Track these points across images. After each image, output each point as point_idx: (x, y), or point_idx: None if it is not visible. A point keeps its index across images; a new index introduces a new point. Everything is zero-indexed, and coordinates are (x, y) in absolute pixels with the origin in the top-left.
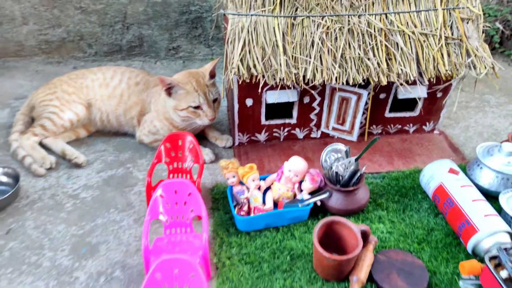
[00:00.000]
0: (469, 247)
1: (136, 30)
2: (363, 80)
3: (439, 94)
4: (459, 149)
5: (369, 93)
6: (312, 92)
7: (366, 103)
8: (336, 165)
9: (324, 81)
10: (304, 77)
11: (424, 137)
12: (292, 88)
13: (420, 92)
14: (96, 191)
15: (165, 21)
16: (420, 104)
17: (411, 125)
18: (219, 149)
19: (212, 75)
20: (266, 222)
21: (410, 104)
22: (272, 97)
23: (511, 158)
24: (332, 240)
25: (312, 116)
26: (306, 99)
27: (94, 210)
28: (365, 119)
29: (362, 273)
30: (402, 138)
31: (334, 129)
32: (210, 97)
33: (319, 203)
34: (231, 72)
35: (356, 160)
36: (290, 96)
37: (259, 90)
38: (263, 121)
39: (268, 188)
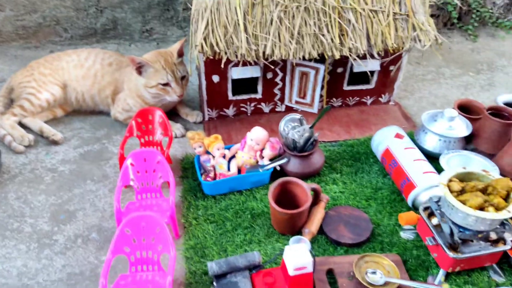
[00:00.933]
0: (409, 201)
1: (109, 14)
2: (318, 55)
3: (391, 68)
4: (410, 118)
5: (326, 68)
6: (272, 67)
7: (325, 77)
8: (291, 132)
9: (282, 56)
10: (264, 53)
11: (380, 108)
12: (254, 64)
13: (373, 65)
14: (73, 165)
15: (137, 3)
16: (374, 77)
17: (368, 97)
18: (190, 125)
19: (180, 54)
20: (230, 186)
21: (366, 77)
22: (237, 73)
23: (452, 123)
24: (287, 198)
25: (276, 90)
26: (269, 75)
27: (71, 181)
28: (326, 92)
29: (313, 226)
30: (360, 110)
31: (296, 102)
32: (178, 74)
33: (278, 168)
34: (195, 49)
35: (311, 127)
36: (253, 72)
37: (222, 66)
38: (230, 96)
39: (233, 156)
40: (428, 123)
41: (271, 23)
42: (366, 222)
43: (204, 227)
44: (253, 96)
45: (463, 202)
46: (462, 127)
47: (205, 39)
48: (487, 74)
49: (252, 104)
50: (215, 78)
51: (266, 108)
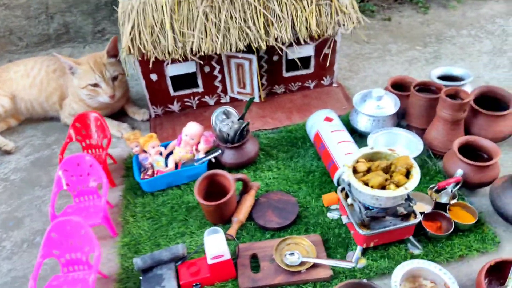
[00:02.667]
0: (335, 182)
1: (60, 19)
2: (245, 47)
3: (327, 51)
4: (351, 99)
5: (256, 58)
6: (201, 62)
7: (263, 66)
8: (220, 125)
9: (209, 51)
10: (191, 49)
11: (323, 91)
12: (187, 60)
13: (307, 51)
14: (24, 173)
15: (85, 6)
16: (312, 62)
17: (310, 81)
18: (138, 123)
19: (111, 54)
20: (168, 182)
21: (306, 62)
22: (173, 70)
23: (380, 102)
24: (218, 190)
25: (217, 83)
26: (207, 69)
27: (21, 189)
28: (266, 80)
29: (241, 214)
30: (303, 94)
31: (238, 93)
32: (107, 75)
33: (213, 161)
34: (122, 52)
35: (240, 119)
36: (188, 67)
37: (150, 67)
38: (172, 92)
39: (171, 153)
40: (358, 104)
41: (198, 19)
42: (293, 205)
43: (140, 223)
44: (195, 90)
45: (367, 182)
46: (390, 105)
47: (132, 40)
48: (434, 46)
49: (196, 98)
50: (153, 77)
51: (210, 100)
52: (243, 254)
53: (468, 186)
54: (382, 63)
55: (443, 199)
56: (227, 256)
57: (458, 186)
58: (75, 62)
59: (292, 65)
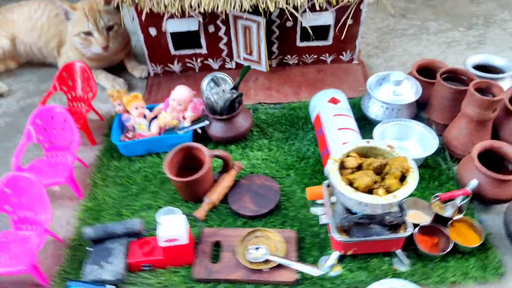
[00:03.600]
0: (326, 173)
1: None
2: (251, 7)
3: (349, 22)
4: None
5: (271, 22)
6: (199, 20)
7: (274, 32)
8: (209, 93)
9: (209, 8)
10: (191, 5)
11: (340, 68)
12: (189, 16)
13: (325, 19)
14: (11, 118)
15: None
16: (330, 33)
17: (327, 55)
18: (135, 80)
19: (108, 1)
20: (147, 148)
21: (322, 32)
22: (173, 26)
23: (398, 87)
24: (194, 164)
25: (222, 46)
26: (211, 28)
27: (4, 135)
28: (277, 48)
29: (214, 195)
30: (318, 69)
31: (244, 59)
32: (101, 23)
33: (200, 131)
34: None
35: (234, 89)
36: (190, 25)
37: (142, 19)
38: (173, 51)
39: (157, 117)
40: (372, 88)
41: None
42: (275, 193)
43: (109, 189)
44: (198, 51)
45: (352, 181)
46: (409, 93)
47: None
48: (480, 29)
49: (199, 60)
50: (152, 31)
51: (215, 64)
52: (205, 240)
53: (482, 200)
54: (416, 42)
55: (448, 211)
56: (183, 240)
57: (467, 199)
58: (71, 7)
59: (308, 33)
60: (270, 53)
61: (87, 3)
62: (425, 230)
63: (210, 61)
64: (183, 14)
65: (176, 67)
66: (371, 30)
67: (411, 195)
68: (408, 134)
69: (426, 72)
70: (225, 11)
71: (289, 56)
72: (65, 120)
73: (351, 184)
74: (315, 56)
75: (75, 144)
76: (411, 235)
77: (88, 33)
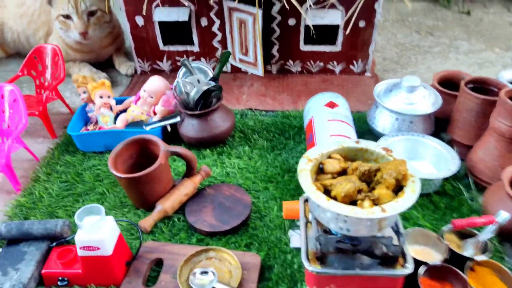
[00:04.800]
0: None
1: None
2: None
3: (361, 24)
4: None
5: (271, 18)
6: (186, 3)
7: (274, 31)
8: (181, 82)
9: None
10: None
11: (350, 79)
12: (180, 4)
13: (332, 18)
14: None
15: None
16: (339, 36)
17: (335, 63)
18: (121, 77)
19: None
20: (106, 143)
21: (329, 35)
22: (161, 15)
23: (412, 95)
24: (151, 163)
25: (216, 43)
26: (204, 21)
27: None
28: (278, 51)
29: (167, 202)
30: (324, 78)
31: (240, 61)
32: (81, 7)
33: (169, 129)
34: None
35: (214, 80)
36: (180, 14)
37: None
38: (161, 46)
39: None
40: (381, 96)
41: None
42: (244, 207)
43: (51, 185)
44: (189, 48)
45: (328, 188)
46: (425, 103)
47: None
48: None
49: (190, 59)
50: (139, 21)
51: (208, 65)
52: (143, 256)
53: None
54: (442, 60)
55: (467, 249)
56: (105, 250)
57: (494, 233)
58: None
59: (313, 35)
60: (269, 57)
61: None
62: (434, 272)
63: (202, 61)
64: (180, 2)
65: (165, 65)
66: (391, 45)
67: (419, 225)
68: (421, 152)
69: (449, 86)
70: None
71: (291, 62)
72: (15, 100)
73: (327, 192)
74: (321, 64)
75: (19, 129)
76: (414, 276)
77: (67, 17)
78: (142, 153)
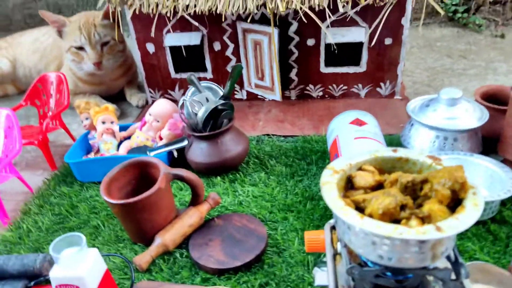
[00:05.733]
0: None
1: None
2: (257, 8)
3: (387, 41)
4: None
5: (288, 38)
6: (196, 23)
7: (292, 52)
8: (187, 100)
9: (206, 8)
10: (187, 6)
11: (377, 103)
12: (193, 29)
13: (355, 35)
14: None
15: None
16: (364, 55)
17: (360, 86)
18: (131, 108)
19: (107, 15)
20: (105, 172)
21: (353, 54)
22: (172, 40)
23: (453, 109)
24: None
25: (230, 69)
26: (217, 46)
27: None
28: (296, 75)
29: (167, 235)
30: (349, 103)
31: (256, 86)
32: (94, 38)
33: (175, 154)
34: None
35: (226, 98)
36: (191, 38)
37: (129, 19)
38: (173, 74)
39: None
40: (416, 112)
41: None
42: (259, 240)
43: (41, 218)
44: (202, 75)
45: (361, 206)
46: (470, 117)
47: None
48: None
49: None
50: (150, 47)
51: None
52: None
53: None
54: (480, 82)
55: None
56: None
57: None
58: (67, 19)
59: (334, 56)
60: (288, 82)
61: (84, 16)
62: None
63: None
64: (174, 14)
65: (177, 94)
66: (421, 69)
67: (476, 258)
68: (471, 174)
69: (492, 102)
70: (232, 20)
71: (311, 86)
72: (10, 127)
73: (360, 210)
74: (345, 87)
75: (12, 155)
76: None
77: (80, 48)
78: (142, 179)
